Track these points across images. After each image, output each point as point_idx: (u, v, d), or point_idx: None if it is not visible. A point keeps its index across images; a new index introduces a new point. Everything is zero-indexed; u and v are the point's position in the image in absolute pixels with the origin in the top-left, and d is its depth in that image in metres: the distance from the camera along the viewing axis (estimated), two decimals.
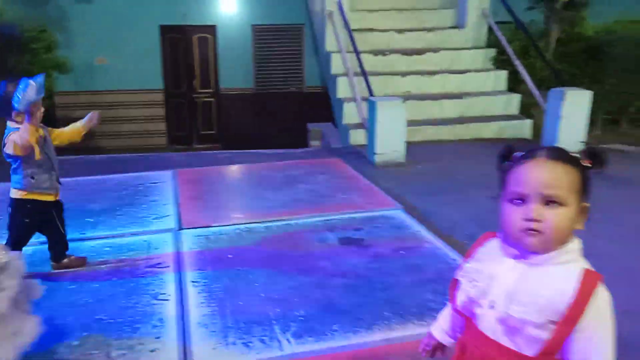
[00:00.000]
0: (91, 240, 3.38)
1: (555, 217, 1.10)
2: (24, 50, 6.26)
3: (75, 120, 2.96)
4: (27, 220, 2.78)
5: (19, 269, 1.94)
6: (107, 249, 3.28)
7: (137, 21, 9.08)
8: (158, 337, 2.38)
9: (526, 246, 1.13)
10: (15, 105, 2.57)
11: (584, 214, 1.14)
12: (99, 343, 2.33)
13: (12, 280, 1.86)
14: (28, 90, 2.55)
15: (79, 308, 2.61)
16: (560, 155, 1.14)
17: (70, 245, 3.04)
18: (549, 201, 1.11)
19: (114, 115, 9.24)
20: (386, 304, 2.63)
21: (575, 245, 1.14)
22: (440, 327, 1.38)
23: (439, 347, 1.37)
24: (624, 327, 2.41)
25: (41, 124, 2.76)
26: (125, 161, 5.56)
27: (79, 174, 4.89)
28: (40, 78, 2.64)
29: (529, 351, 1.12)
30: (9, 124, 2.70)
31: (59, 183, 2.89)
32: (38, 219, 2.83)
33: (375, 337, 2.36)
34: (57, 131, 2.94)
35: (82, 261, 3.03)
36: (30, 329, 1.92)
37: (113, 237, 3.44)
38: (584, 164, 1.14)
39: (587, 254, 1.16)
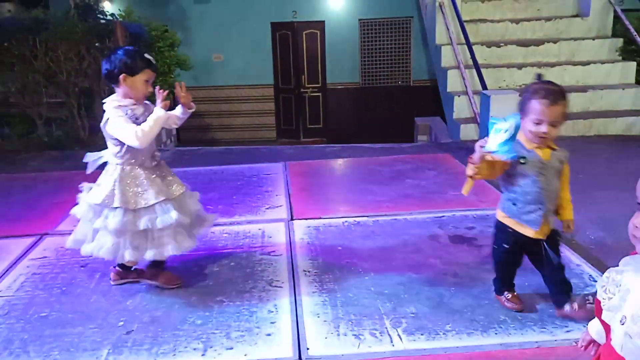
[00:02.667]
0: (212, 227, 3.59)
1: None
2: (150, 49, 6.75)
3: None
4: (505, 246, 2.40)
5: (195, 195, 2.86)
6: (226, 235, 3.46)
7: (250, 19, 9.48)
8: (273, 323, 2.47)
9: (638, 252, 1.12)
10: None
11: None
12: (220, 324, 2.47)
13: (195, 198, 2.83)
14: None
15: (201, 289, 2.78)
16: None
17: None
18: None
19: (229, 109, 9.74)
20: (502, 307, 2.52)
21: None
22: (596, 326, 1.33)
23: (593, 343, 1.34)
24: None
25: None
26: (240, 153, 5.83)
27: (199, 164, 5.22)
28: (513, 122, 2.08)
29: None
30: None
31: (548, 219, 2.29)
32: (517, 249, 2.40)
33: (491, 340, 2.28)
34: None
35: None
36: (206, 225, 2.90)
37: (231, 224, 3.63)
38: None
39: None
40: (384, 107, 9.82)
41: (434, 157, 5.24)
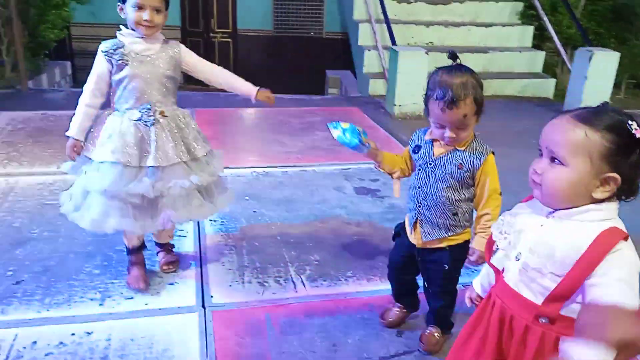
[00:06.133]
0: None
1: (551, 175, 1.12)
2: None
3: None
4: (393, 234, 2.09)
5: (220, 155, 2.44)
6: None
7: None
8: (176, 272, 2.44)
9: (535, 197, 1.19)
10: None
11: (609, 184, 1.09)
12: (119, 273, 2.39)
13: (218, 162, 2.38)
14: None
15: (98, 238, 2.66)
16: (586, 116, 1.10)
17: None
18: (554, 158, 1.12)
19: None
20: None
21: (604, 206, 1.12)
22: (479, 281, 1.42)
23: (478, 299, 1.42)
24: None
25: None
26: None
27: None
28: None
29: (540, 300, 1.16)
30: None
31: (423, 229, 1.89)
32: (402, 246, 2.01)
33: (389, 285, 2.40)
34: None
35: None
36: (222, 201, 2.36)
37: None
38: (637, 135, 1.07)
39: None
40: (296, 57, 9.68)
41: (343, 111, 5.30)
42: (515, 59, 6.51)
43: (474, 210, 1.87)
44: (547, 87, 6.28)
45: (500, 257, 1.28)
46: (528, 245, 1.18)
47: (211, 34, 9.61)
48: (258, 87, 2.36)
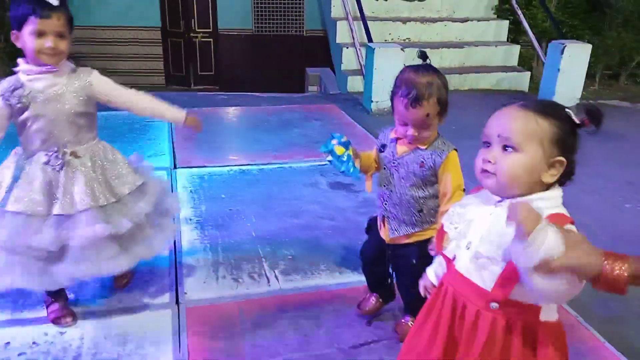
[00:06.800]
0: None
1: (507, 162, 1.16)
2: None
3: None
4: (365, 230, 2.18)
5: (156, 189, 2.17)
6: None
7: None
8: (151, 269, 2.46)
9: (485, 187, 1.21)
10: None
11: (556, 167, 1.16)
12: None
13: (148, 200, 2.10)
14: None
15: None
16: (533, 105, 1.17)
17: None
18: (506, 146, 1.16)
19: (111, 52, 9.10)
20: None
21: (551, 194, 1.17)
22: (433, 270, 1.46)
23: (432, 287, 1.45)
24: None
25: None
26: None
27: None
28: None
29: (491, 286, 1.19)
30: None
31: (390, 225, 1.92)
32: (374, 241, 2.06)
33: (361, 277, 2.44)
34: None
35: None
36: (158, 242, 2.16)
37: None
38: (576, 121, 1.15)
39: (571, 206, 1.19)
40: (276, 56, 9.71)
41: (321, 108, 5.34)
42: (491, 53, 6.60)
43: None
44: (522, 80, 6.37)
45: (452, 246, 1.32)
46: (479, 233, 1.22)
47: (192, 34, 9.60)
48: (186, 111, 2.16)
